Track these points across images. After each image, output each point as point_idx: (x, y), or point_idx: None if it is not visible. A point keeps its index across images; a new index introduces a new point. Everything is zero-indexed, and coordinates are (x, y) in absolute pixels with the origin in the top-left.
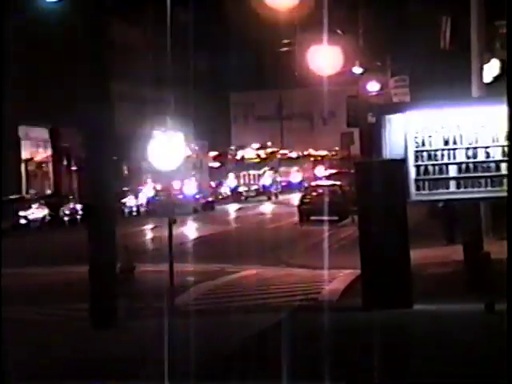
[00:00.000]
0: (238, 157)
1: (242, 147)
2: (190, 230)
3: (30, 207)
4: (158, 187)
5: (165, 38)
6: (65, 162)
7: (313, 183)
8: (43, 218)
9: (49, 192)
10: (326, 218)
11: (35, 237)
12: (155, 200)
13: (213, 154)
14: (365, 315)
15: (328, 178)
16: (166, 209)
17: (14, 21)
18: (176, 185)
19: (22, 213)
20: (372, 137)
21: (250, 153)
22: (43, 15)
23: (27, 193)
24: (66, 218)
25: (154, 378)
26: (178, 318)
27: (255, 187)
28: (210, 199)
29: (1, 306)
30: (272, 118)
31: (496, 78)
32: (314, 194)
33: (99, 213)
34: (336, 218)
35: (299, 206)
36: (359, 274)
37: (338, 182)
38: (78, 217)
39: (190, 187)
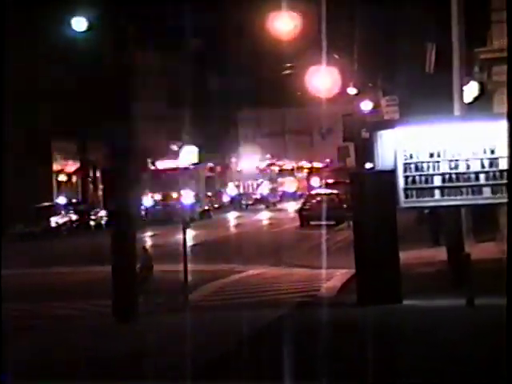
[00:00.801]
0: (239, 168)
1: (242, 159)
2: (195, 235)
3: (59, 213)
4: (157, 197)
5: (180, 62)
6: (91, 173)
7: (312, 192)
8: (72, 223)
9: (77, 200)
10: (324, 222)
11: (64, 240)
12: (154, 209)
13: (210, 165)
14: (359, 310)
15: (326, 187)
16: (164, 218)
17: (48, 47)
18: (174, 195)
19: (52, 218)
20: (365, 150)
21: (249, 164)
22: (73, 42)
23: (57, 200)
24: (92, 223)
25: (170, 368)
26: (191, 312)
27: (254, 196)
28: (206, 208)
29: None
30: (276, 133)
31: (475, 99)
32: (314, 201)
33: (122, 218)
34: (333, 222)
35: (300, 212)
36: (354, 273)
37: (335, 191)
38: (103, 222)
39: (187, 197)
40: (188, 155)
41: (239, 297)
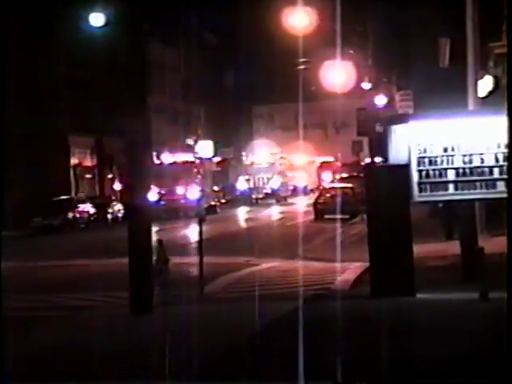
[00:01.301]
0: (248, 162)
1: (254, 153)
2: (206, 229)
3: (78, 207)
4: (162, 192)
5: (196, 57)
6: (108, 168)
7: (327, 186)
8: (90, 216)
9: (94, 194)
10: (338, 216)
11: (82, 233)
12: (159, 204)
13: (216, 159)
14: (373, 302)
15: (341, 180)
16: (169, 213)
17: (65, 43)
18: (180, 190)
19: (71, 212)
20: (379, 144)
21: (259, 158)
22: (90, 38)
23: (76, 194)
24: (109, 217)
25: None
26: (207, 304)
27: (264, 190)
28: (213, 203)
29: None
30: (290, 127)
31: (490, 93)
32: (328, 195)
33: (138, 212)
34: (347, 216)
35: (314, 206)
36: (368, 266)
37: (350, 185)
38: (120, 215)
39: (192, 192)
40: (203, 149)
41: (254, 289)
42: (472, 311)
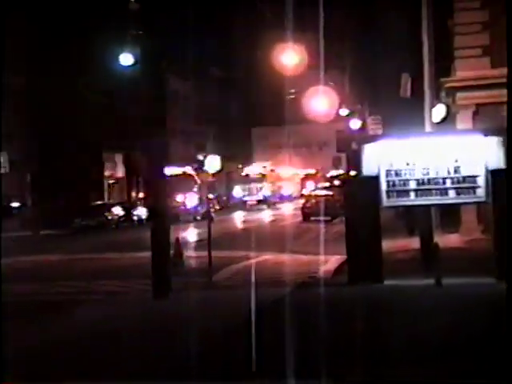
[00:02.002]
0: (244, 173)
1: (248, 166)
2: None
3: (109, 211)
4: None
5: (204, 87)
6: (134, 178)
7: (312, 193)
8: (119, 218)
9: (123, 199)
10: (322, 218)
11: (113, 232)
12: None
13: (212, 172)
14: (350, 288)
15: (324, 189)
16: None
17: (101, 77)
18: (179, 198)
19: (104, 214)
20: (354, 160)
21: (253, 170)
22: (118, 72)
23: (108, 200)
24: (135, 218)
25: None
26: (214, 290)
27: (257, 197)
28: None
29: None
30: (281, 146)
31: (443, 119)
32: (313, 200)
33: (158, 215)
34: (329, 218)
35: (302, 209)
36: (346, 259)
37: (331, 192)
38: (143, 217)
39: (190, 200)
40: (211, 163)
41: (253, 278)
42: (429, 294)
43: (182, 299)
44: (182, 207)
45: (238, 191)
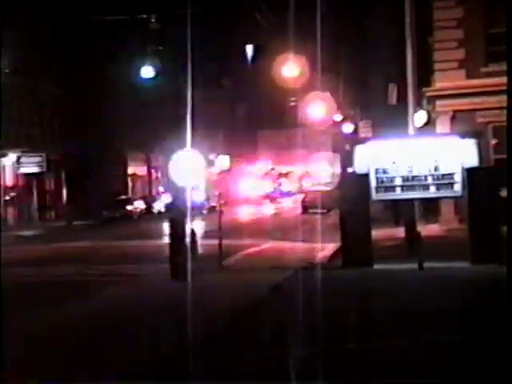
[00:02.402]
0: (248, 171)
1: (252, 164)
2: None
3: (133, 204)
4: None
5: (216, 95)
6: (154, 176)
7: (310, 189)
8: (141, 210)
9: (144, 194)
10: (319, 210)
11: (136, 222)
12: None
13: (216, 170)
14: (343, 271)
15: (321, 185)
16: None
17: (125, 87)
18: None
19: (128, 207)
20: (348, 159)
21: (256, 168)
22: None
23: (132, 194)
24: (155, 211)
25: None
26: (225, 273)
27: (259, 193)
28: (213, 204)
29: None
30: (283, 147)
31: (424, 123)
32: (312, 195)
33: (175, 207)
34: (325, 210)
35: (302, 203)
36: (340, 246)
37: (327, 188)
38: (163, 210)
39: (197, 195)
40: (222, 162)
41: (259, 262)
42: (412, 276)
43: (196, 281)
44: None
45: (242, 187)
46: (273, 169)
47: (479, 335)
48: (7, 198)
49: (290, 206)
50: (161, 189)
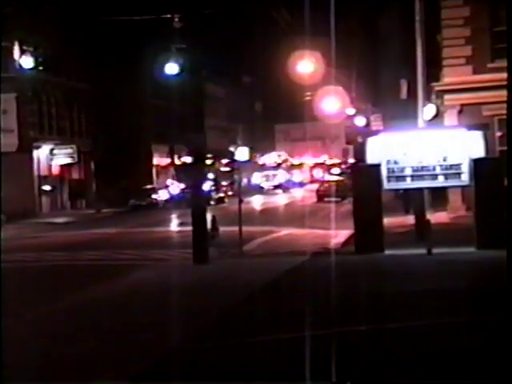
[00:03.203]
0: (261, 162)
1: (265, 156)
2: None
3: (157, 193)
4: (182, 186)
5: (237, 91)
6: (178, 166)
7: (326, 178)
8: (165, 199)
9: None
10: (333, 199)
11: (161, 210)
12: (180, 196)
13: (224, 161)
14: (356, 256)
15: (336, 175)
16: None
17: (150, 83)
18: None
19: (153, 196)
20: (360, 150)
21: (269, 159)
22: (166, 79)
23: (156, 184)
24: (160, 200)
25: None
26: (245, 258)
27: (273, 183)
28: (221, 195)
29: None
30: (300, 139)
31: (433, 117)
32: (326, 185)
33: (197, 197)
34: (339, 199)
35: (317, 192)
36: (353, 233)
37: (341, 178)
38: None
39: (204, 186)
40: (241, 153)
41: (277, 248)
42: (422, 261)
43: (218, 265)
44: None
45: (256, 178)
46: (286, 160)
47: (483, 315)
48: (47, 188)
49: (302, 195)
50: (168, 181)
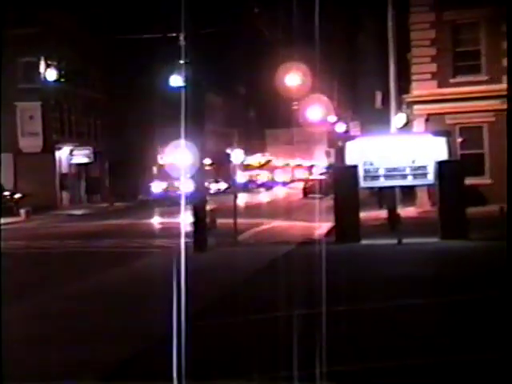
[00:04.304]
0: (246, 163)
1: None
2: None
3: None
4: (164, 185)
5: (232, 100)
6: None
7: (310, 177)
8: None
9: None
10: (317, 195)
11: (165, 205)
12: (162, 194)
13: (207, 162)
14: (336, 246)
15: (320, 174)
16: (169, 201)
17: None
18: (177, 184)
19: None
20: (340, 153)
21: (252, 160)
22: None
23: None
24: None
25: (230, 271)
26: (240, 247)
27: (256, 183)
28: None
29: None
30: (288, 142)
31: (404, 124)
32: (311, 182)
33: (198, 194)
34: (322, 195)
35: (303, 189)
36: (334, 225)
37: (323, 177)
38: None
39: (187, 185)
40: (237, 156)
41: (268, 238)
42: (393, 249)
43: (216, 252)
44: (178, 192)
45: (240, 177)
46: (268, 161)
47: (446, 296)
48: (67, 184)
49: (287, 192)
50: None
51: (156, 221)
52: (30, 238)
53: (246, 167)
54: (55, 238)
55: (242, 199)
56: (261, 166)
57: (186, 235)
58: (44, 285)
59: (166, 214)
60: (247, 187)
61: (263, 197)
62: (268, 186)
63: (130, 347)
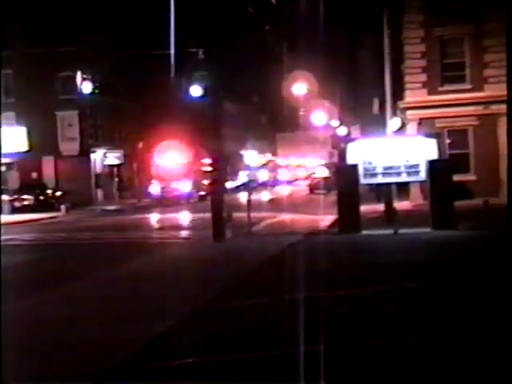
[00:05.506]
0: (247, 162)
1: (251, 156)
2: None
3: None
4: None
5: (246, 107)
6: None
7: (314, 175)
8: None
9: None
10: (322, 191)
11: (187, 202)
12: (158, 195)
13: (206, 161)
14: (340, 236)
15: (324, 172)
16: (167, 202)
17: (178, 101)
18: (175, 184)
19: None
20: (343, 153)
21: (254, 159)
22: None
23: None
24: (202, 193)
25: (245, 258)
26: (254, 237)
27: (258, 182)
28: (203, 193)
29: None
30: (296, 144)
31: (398, 128)
32: (316, 180)
33: (215, 191)
34: (326, 191)
35: (309, 186)
36: (337, 217)
37: (327, 175)
38: (204, 193)
39: (184, 185)
40: (251, 157)
41: (278, 229)
42: (390, 239)
43: (233, 242)
44: (176, 192)
45: (242, 176)
46: (271, 161)
47: (438, 280)
48: (101, 183)
49: (292, 189)
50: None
51: (179, 216)
52: (70, 230)
53: (247, 167)
54: (93, 231)
55: (254, 196)
56: (262, 166)
57: (207, 228)
58: (89, 270)
59: (190, 209)
60: (248, 185)
61: (272, 193)
62: (270, 184)
63: (163, 325)
